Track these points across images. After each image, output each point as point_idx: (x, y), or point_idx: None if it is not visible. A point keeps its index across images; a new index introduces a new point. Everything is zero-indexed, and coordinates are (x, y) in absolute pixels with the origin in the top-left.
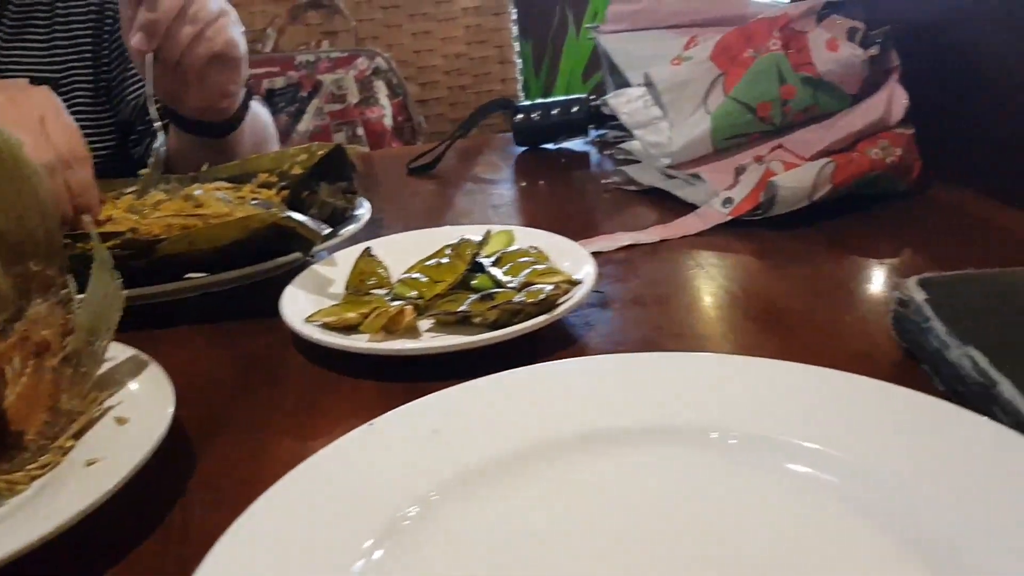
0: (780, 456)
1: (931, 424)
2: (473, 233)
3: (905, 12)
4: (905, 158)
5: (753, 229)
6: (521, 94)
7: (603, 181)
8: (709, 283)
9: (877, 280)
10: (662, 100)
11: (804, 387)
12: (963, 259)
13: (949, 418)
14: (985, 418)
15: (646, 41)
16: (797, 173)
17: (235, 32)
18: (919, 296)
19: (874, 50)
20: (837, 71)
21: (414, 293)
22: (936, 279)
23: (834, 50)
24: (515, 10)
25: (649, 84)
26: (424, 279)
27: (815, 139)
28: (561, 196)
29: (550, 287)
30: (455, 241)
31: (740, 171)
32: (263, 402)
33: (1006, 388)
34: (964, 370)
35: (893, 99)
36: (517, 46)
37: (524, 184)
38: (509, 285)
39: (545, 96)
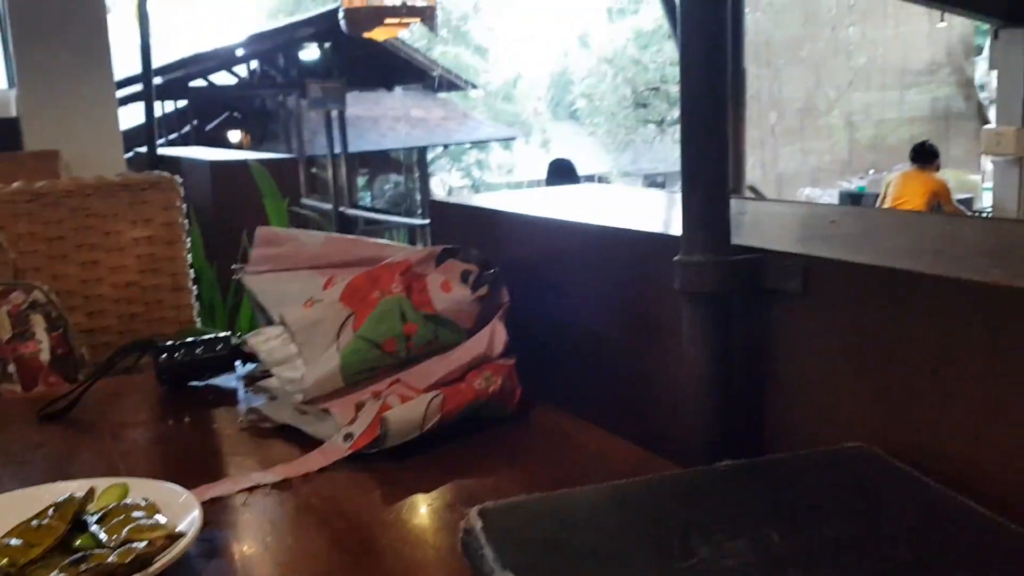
0: None
1: None
2: (82, 489)
3: (514, 256)
4: (506, 386)
5: (373, 462)
6: (198, 320)
7: (240, 419)
8: (318, 520)
9: (471, 506)
10: (296, 339)
11: None
12: (555, 476)
13: None
14: None
15: (289, 281)
16: (409, 406)
17: None
18: (477, 525)
19: (483, 290)
20: (452, 309)
21: (6, 561)
22: (493, 508)
23: (448, 291)
24: (190, 240)
25: (284, 324)
26: (20, 544)
27: (430, 372)
28: (200, 437)
29: (143, 544)
30: (62, 499)
31: (360, 406)
32: None
33: None
34: None
35: (495, 335)
36: (194, 272)
37: (168, 425)
38: (108, 544)
39: (231, 323)
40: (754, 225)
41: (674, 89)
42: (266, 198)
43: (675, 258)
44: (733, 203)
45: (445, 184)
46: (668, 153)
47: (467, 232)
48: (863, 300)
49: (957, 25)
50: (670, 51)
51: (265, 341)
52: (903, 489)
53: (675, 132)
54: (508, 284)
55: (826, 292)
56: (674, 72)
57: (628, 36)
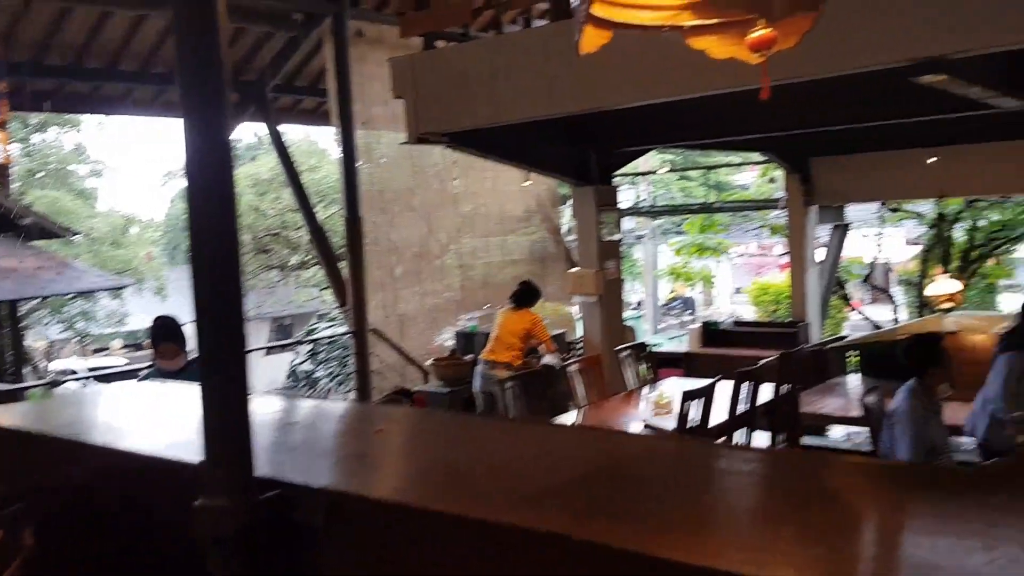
0: None
1: None
2: None
3: (49, 484)
4: None
5: None
6: None
7: None
8: None
9: None
10: None
11: None
12: None
13: None
14: None
15: None
16: None
17: None
18: None
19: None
20: None
21: None
22: None
23: None
24: None
25: None
26: None
27: None
28: None
29: None
30: None
31: None
32: None
33: None
34: None
35: None
36: None
37: None
38: None
39: None
40: (294, 441)
41: (294, 234)
42: None
43: (195, 503)
44: (284, 403)
45: (45, 338)
46: (293, 296)
47: None
48: (383, 533)
49: (546, 179)
50: (288, 198)
51: None
52: None
53: (299, 276)
54: (41, 517)
55: (350, 526)
56: (294, 218)
57: (246, 183)
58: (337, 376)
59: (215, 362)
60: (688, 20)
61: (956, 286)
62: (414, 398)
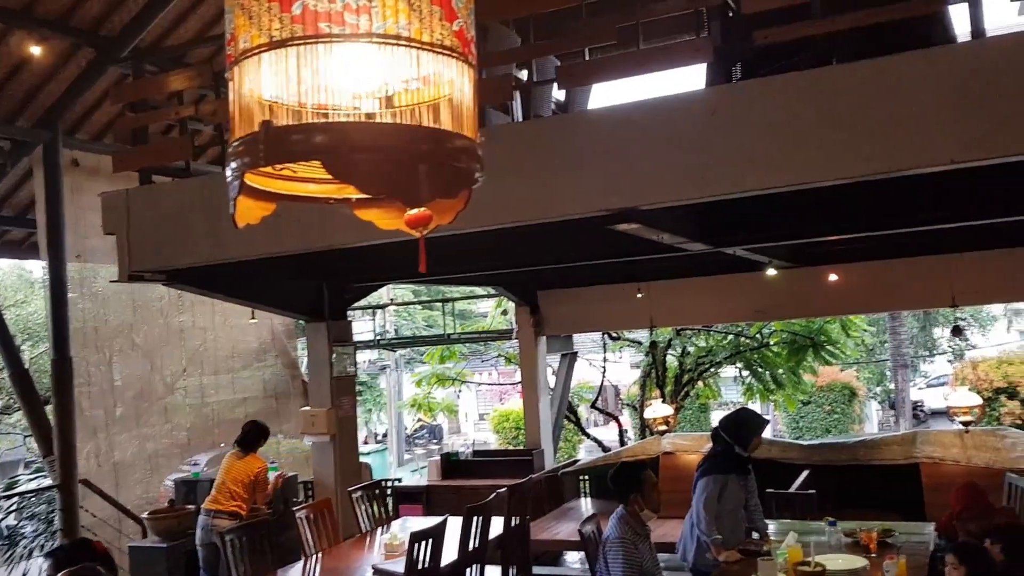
0: None
1: None
2: None
3: None
4: None
5: None
6: None
7: None
8: None
9: None
10: None
11: None
12: None
13: None
14: None
15: None
16: None
17: None
18: None
19: None
20: None
21: None
22: None
23: None
24: None
25: None
26: None
27: None
28: None
29: None
30: None
31: None
32: None
33: None
34: None
35: None
36: None
37: None
38: None
39: None
40: None
41: None
42: None
43: None
44: None
45: None
46: None
47: None
48: None
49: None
50: None
51: None
52: None
53: (1, 421)
54: None
55: None
56: None
57: None
58: (43, 533)
59: None
60: (353, 194)
61: (669, 410)
62: (56, 555)
